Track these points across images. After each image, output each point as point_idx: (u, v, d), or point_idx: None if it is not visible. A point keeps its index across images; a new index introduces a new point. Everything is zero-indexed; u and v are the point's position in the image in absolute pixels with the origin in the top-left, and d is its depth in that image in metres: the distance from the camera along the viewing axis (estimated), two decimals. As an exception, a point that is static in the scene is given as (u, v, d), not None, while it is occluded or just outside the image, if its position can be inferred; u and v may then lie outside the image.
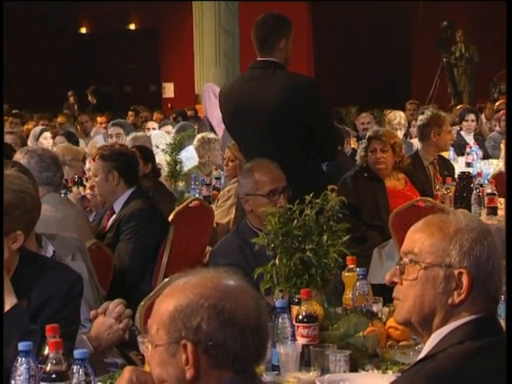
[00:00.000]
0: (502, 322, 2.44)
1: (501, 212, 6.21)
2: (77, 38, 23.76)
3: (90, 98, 19.02)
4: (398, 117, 10.01)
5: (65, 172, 6.13)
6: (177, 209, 5.92)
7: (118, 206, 5.42)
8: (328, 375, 2.99)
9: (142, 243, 5.30)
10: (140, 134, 9.22)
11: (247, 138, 5.13)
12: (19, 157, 5.01)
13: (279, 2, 16.14)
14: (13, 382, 2.59)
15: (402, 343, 3.25)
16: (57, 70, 22.36)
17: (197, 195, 7.13)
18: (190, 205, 6.12)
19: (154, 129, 11.01)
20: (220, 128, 10.17)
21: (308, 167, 4.91)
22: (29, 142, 9.19)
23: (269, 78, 4.97)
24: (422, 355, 2.23)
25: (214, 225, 6.49)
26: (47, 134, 9.66)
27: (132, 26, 23.40)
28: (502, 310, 3.04)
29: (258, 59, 5.06)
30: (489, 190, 6.37)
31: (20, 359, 2.59)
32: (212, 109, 11.12)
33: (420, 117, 7.60)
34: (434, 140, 6.90)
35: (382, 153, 6.18)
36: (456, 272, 2.20)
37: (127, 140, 8.44)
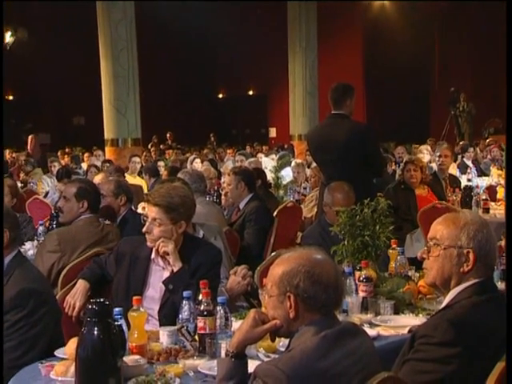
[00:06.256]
0: (498, 284, 2.35)
1: (492, 210, 6.10)
2: (216, 100, 24.24)
3: (212, 138, 19.59)
4: (425, 150, 9.93)
5: (208, 184, 6.23)
6: (279, 207, 5.89)
7: (242, 205, 5.43)
8: (379, 316, 2.96)
9: (261, 228, 5.30)
10: (254, 159, 9.26)
11: (325, 163, 5.09)
12: (179, 175, 5.07)
13: (344, 74, 16.10)
14: (180, 315, 2.63)
15: (428, 296, 3.18)
16: (204, 120, 22.81)
17: (291, 199, 7.10)
18: (287, 205, 6.09)
19: (261, 157, 11.05)
20: None
21: (365, 181, 4.82)
22: (188, 165, 9.34)
23: (339, 124, 4.92)
24: (443, 305, 2.18)
25: (303, 218, 6.46)
26: (198, 160, 9.77)
27: (250, 92, 23.69)
28: (495, 274, 2.95)
29: (332, 112, 5.01)
30: (483, 197, 6.28)
31: (184, 302, 2.63)
32: None
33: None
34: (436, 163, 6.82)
35: (414, 172, 6.08)
36: (465, 251, 2.14)
37: (246, 163, 8.50)
